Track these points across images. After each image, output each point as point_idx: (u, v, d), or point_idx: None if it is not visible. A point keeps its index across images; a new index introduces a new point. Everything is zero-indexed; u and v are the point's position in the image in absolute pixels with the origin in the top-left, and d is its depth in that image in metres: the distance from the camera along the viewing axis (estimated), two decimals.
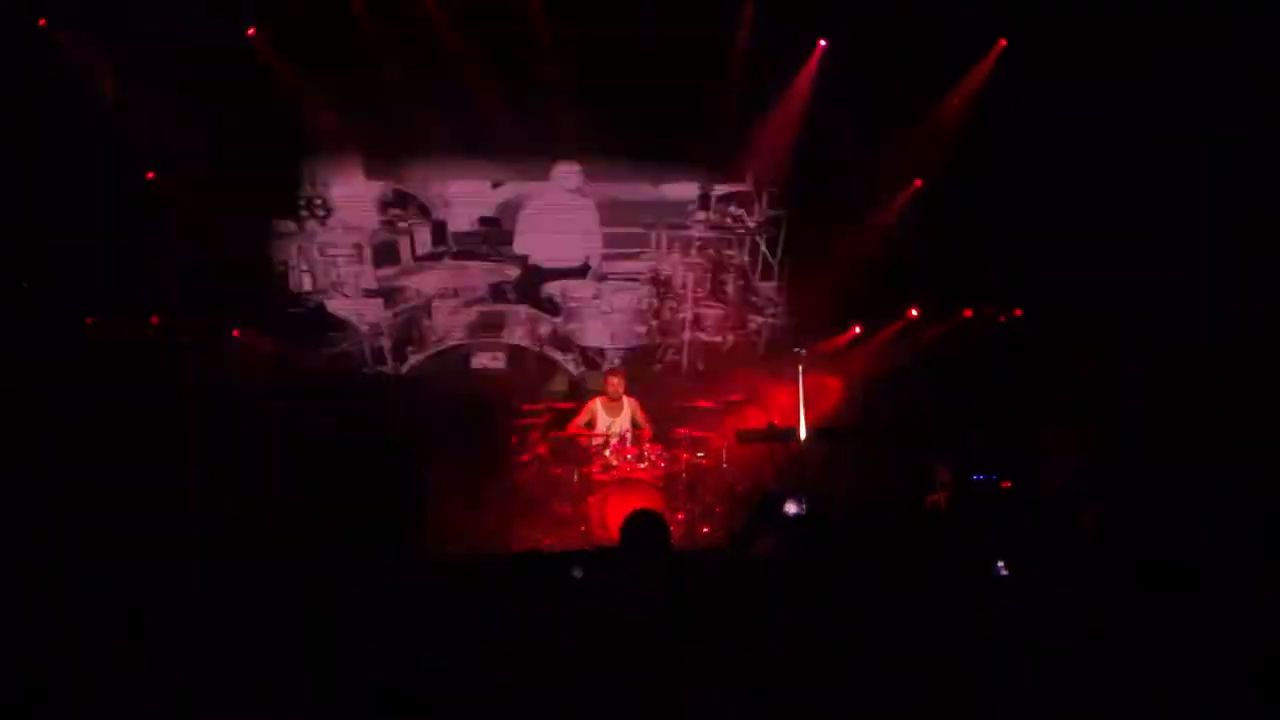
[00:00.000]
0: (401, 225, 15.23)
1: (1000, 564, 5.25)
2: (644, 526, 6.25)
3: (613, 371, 14.12)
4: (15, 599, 5.89)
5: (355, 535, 6.27)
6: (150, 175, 14.12)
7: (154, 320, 13.95)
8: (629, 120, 14.52)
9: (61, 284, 13.63)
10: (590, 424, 13.65)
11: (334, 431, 12.57)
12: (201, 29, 13.98)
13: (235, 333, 14.12)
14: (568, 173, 15.32)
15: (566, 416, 13.81)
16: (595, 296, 15.50)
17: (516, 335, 15.38)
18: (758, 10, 14.73)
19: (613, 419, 13.66)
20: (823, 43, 14.84)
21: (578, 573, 5.01)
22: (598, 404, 13.84)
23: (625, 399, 13.78)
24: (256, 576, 5.33)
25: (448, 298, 15.31)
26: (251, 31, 14.36)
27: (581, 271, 15.50)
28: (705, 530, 12.99)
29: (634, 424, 13.65)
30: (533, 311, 15.42)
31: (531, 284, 15.42)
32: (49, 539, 9.39)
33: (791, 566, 5.07)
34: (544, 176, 15.33)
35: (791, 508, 9.83)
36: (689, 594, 4.89)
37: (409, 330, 15.26)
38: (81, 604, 5.83)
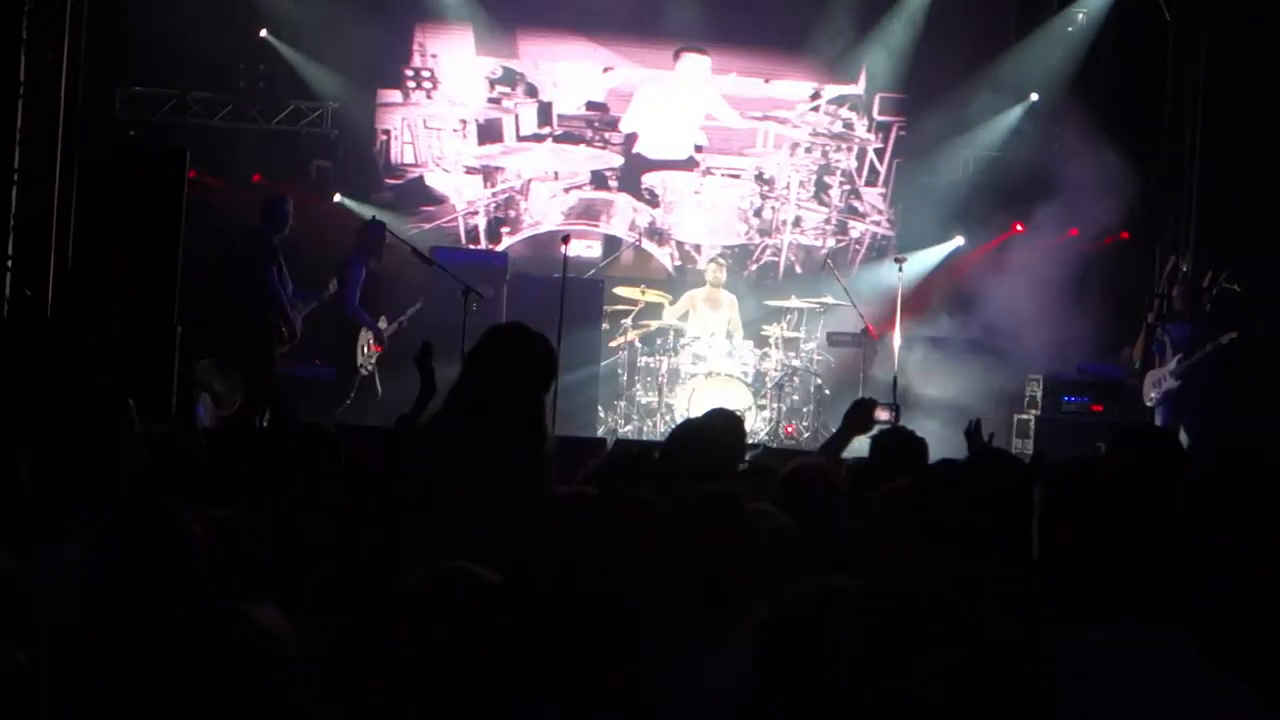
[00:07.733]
0: (507, 104, 15.12)
1: None
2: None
3: (715, 261, 13.86)
4: None
5: None
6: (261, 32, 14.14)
7: (255, 178, 14.00)
8: (746, 12, 14.30)
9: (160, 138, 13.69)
10: (685, 317, 13.48)
11: None
12: None
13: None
14: (694, 63, 15.07)
15: (661, 305, 13.64)
16: (697, 191, 15.33)
17: (614, 225, 15.27)
18: None
19: (711, 313, 13.44)
20: None
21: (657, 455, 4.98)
22: (698, 298, 13.63)
23: (725, 295, 13.56)
24: None
25: (547, 181, 15.22)
26: None
27: (686, 164, 15.31)
28: (789, 430, 12.91)
29: (729, 326, 13.45)
30: (632, 201, 15.29)
31: (634, 173, 15.28)
32: None
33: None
34: (664, 65, 15.09)
35: (883, 414, 9.75)
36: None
37: (505, 211, 15.20)
38: None
